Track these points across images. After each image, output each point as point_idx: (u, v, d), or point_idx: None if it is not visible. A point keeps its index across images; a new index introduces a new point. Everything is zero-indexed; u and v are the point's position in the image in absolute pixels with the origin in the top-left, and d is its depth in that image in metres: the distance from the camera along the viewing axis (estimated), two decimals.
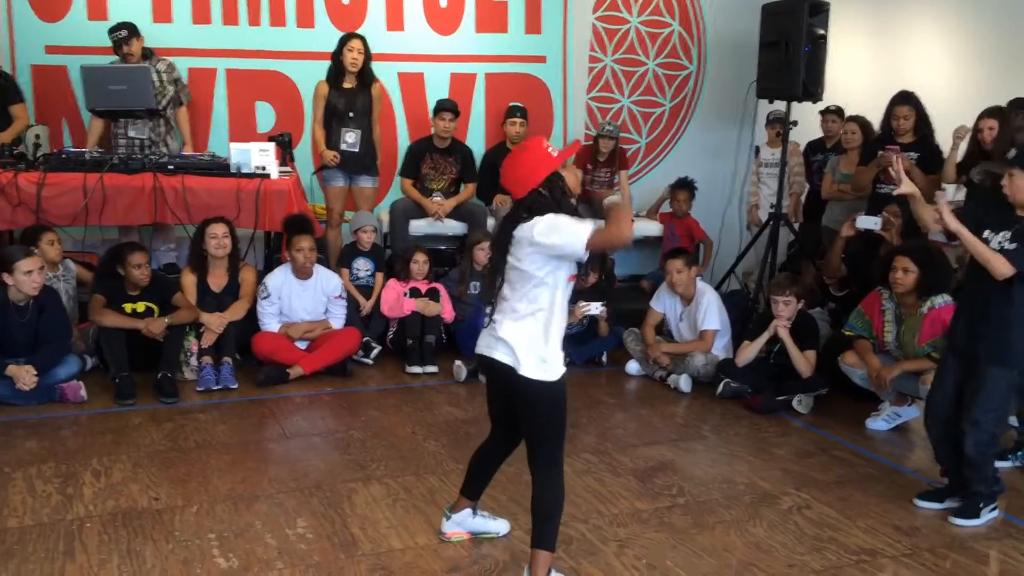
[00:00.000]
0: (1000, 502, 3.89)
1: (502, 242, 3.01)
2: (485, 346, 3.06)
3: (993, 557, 3.52)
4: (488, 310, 3.13)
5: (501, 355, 2.98)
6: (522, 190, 2.98)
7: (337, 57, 6.18)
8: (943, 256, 4.85)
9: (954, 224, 3.64)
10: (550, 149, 3.01)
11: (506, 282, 3.01)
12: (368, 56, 6.19)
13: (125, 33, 5.93)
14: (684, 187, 7.14)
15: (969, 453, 3.74)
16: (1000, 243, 3.63)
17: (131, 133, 6.04)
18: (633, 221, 3.00)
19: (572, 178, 3.12)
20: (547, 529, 3.01)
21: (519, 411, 3.04)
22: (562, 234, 2.84)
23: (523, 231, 2.93)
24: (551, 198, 2.94)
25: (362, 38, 6.19)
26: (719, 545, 3.51)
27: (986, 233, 3.67)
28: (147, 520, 3.51)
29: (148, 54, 6.11)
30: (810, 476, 4.25)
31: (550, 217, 2.89)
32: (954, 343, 3.86)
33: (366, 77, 6.24)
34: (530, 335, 2.95)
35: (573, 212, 2.95)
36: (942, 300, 4.63)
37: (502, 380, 3.03)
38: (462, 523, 3.44)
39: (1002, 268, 3.56)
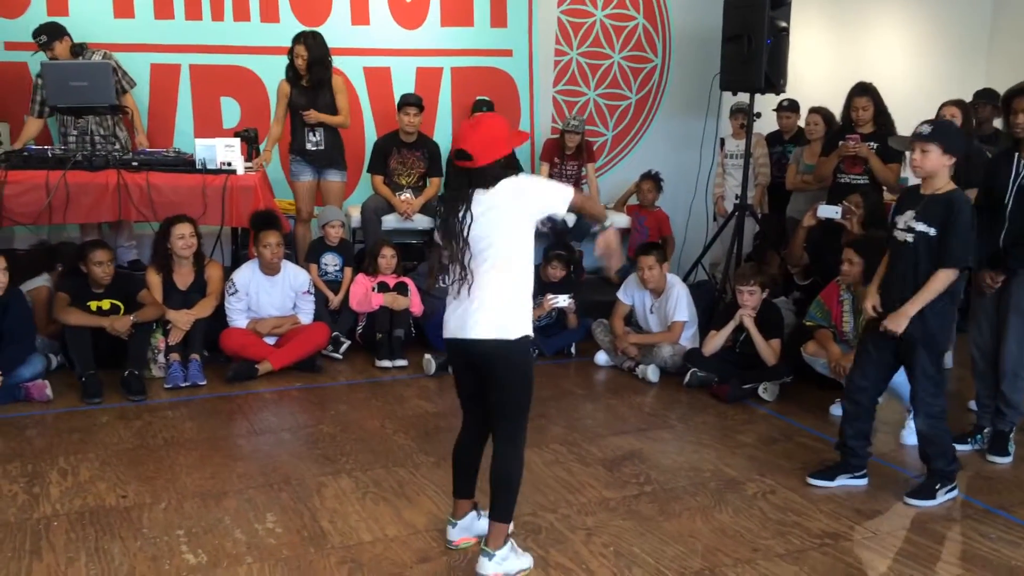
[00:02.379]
0: (959, 483, 3.98)
1: (461, 218, 2.98)
2: (458, 328, 3.05)
3: (953, 538, 3.61)
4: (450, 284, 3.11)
5: (477, 332, 2.99)
6: (487, 157, 2.96)
7: (292, 57, 6.11)
8: None
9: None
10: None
11: (474, 257, 3.00)
12: (319, 54, 6.05)
13: (45, 39, 5.83)
14: (649, 178, 7.23)
15: (922, 430, 3.84)
16: (906, 223, 3.76)
17: (92, 128, 5.95)
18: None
19: None
20: (508, 501, 3.09)
21: (489, 380, 3.06)
22: (546, 189, 3.06)
23: (494, 197, 2.96)
24: (506, 169, 3.01)
25: (306, 39, 6.03)
26: (685, 531, 3.56)
27: (895, 218, 3.83)
28: (115, 518, 3.50)
29: (79, 50, 5.96)
30: (775, 462, 4.31)
31: (525, 176, 3.04)
32: (876, 328, 3.91)
33: (323, 75, 6.12)
34: (505, 303, 3.00)
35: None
36: None
37: (475, 354, 3.05)
38: (469, 528, 3.36)
39: None
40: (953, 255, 3.66)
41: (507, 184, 2.99)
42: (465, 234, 2.98)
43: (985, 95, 6.24)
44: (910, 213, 3.76)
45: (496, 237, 2.99)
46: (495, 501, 3.10)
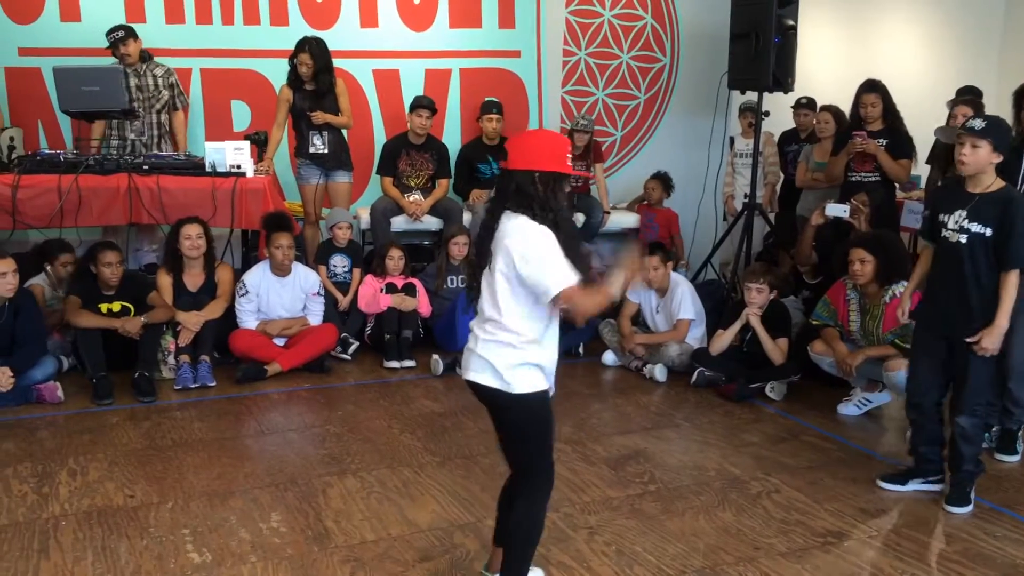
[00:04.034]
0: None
1: (484, 237, 2.75)
2: (465, 363, 2.80)
3: (957, 537, 3.59)
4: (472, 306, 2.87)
5: (475, 375, 2.75)
6: (522, 162, 2.69)
7: (293, 63, 6.14)
8: (898, 243, 4.92)
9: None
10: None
11: (486, 285, 2.74)
12: (324, 62, 6.10)
13: (122, 34, 5.98)
14: (656, 177, 7.23)
15: (965, 428, 3.75)
16: (957, 222, 3.66)
17: (130, 135, 6.04)
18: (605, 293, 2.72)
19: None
20: (518, 558, 2.83)
21: (497, 425, 2.85)
22: (541, 272, 2.61)
23: (509, 229, 2.67)
24: (541, 194, 2.66)
25: (311, 47, 6.06)
26: (687, 530, 3.56)
27: (941, 216, 3.73)
28: (122, 517, 3.54)
29: (146, 57, 6.15)
30: (780, 461, 4.31)
31: (537, 244, 2.63)
32: (931, 330, 3.83)
33: (327, 80, 6.17)
34: (507, 348, 2.69)
35: (567, 221, 2.74)
36: (902, 288, 4.69)
37: (479, 398, 2.81)
38: None
39: None
40: (1020, 255, 3.55)
41: (521, 228, 2.66)
42: (484, 248, 2.74)
43: (967, 92, 6.19)
44: (961, 212, 3.62)
45: (503, 268, 2.68)
46: (505, 555, 2.84)
